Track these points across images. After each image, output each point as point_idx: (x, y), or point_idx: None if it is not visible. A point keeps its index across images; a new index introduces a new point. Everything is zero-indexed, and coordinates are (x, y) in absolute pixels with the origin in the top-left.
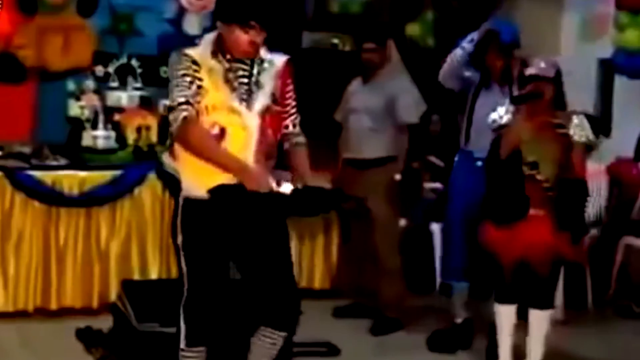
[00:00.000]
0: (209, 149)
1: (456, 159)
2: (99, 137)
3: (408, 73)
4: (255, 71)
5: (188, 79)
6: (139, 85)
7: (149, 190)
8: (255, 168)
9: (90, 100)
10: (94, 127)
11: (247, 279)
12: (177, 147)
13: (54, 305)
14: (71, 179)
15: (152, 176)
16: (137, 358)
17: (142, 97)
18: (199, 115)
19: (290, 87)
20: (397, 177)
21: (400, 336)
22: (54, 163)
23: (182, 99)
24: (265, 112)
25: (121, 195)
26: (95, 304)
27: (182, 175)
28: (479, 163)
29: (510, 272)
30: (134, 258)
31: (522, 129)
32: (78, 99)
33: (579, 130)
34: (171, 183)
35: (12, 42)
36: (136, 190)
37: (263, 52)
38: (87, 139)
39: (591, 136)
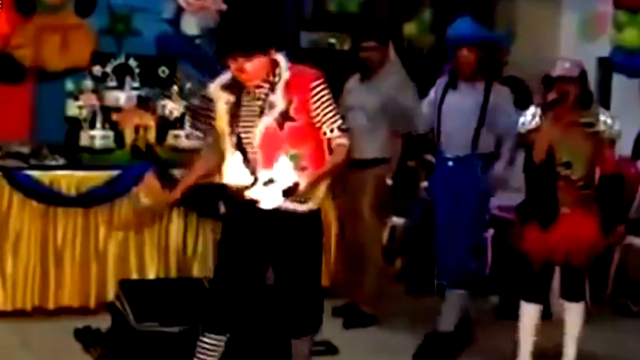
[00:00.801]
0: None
1: (434, 160)
2: (97, 137)
3: (406, 73)
4: (269, 92)
5: (200, 115)
6: (136, 85)
7: None
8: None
9: (88, 100)
10: (92, 127)
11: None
12: None
13: (52, 305)
14: (69, 179)
15: (149, 176)
16: (136, 357)
17: (140, 97)
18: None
19: (316, 96)
20: (389, 182)
21: (398, 337)
22: (52, 163)
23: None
24: (272, 133)
25: (119, 195)
26: (93, 303)
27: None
28: (450, 163)
29: (538, 270)
30: (131, 258)
31: (552, 131)
32: (76, 98)
33: (608, 126)
34: (171, 183)
35: (10, 42)
36: (134, 190)
37: (281, 70)
38: (85, 139)
39: (618, 130)
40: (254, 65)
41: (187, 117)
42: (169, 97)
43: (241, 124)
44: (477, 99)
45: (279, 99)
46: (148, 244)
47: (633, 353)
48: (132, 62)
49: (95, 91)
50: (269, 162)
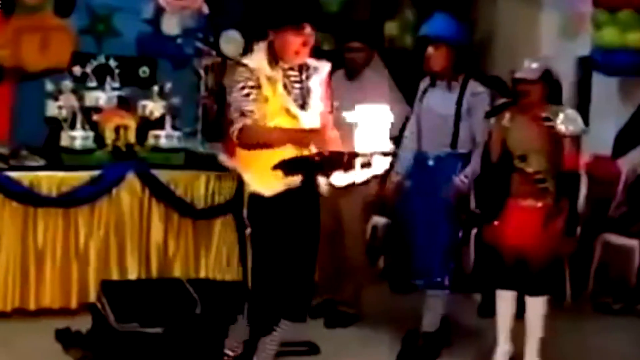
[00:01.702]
0: (267, 137)
1: (411, 160)
2: (77, 137)
3: (389, 74)
4: (304, 77)
5: (246, 90)
6: (117, 85)
7: (128, 191)
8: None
9: (68, 100)
10: (72, 127)
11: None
12: (240, 151)
13: (32, 306)
14: (49, 180)
15: (130, 176)
16: (116, 358)
17: (120, 98)
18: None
19: (329, 91)
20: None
21: (381, 335)
22: (32, 164)
23: (237, 113)
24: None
25: (100, 196)
26: (74, 304)
27: (246, 174)
28: (431, 162)
29: (511, 261)
30: (112, 258)
31: (504, 128)
32: (56, 99)
33: (567, 122)
34: (151, 183)
35: None
36: (114, 191)
37: (308, 59)
38: (65, 140)
39: (579, 128)
40: (312, 41)
41: (235, 104)
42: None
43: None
44: (453, 99)
45: (316, 85)
46: (129, 245)
47: (614, 351)
48: (112, 63)
49: (75, 92)
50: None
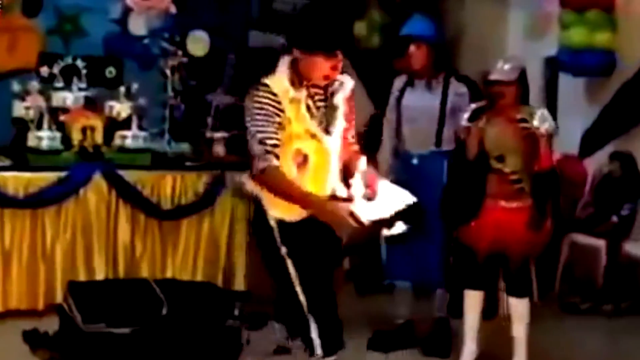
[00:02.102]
0: (287, 194)
1: (390, 160)
2: (44, 137)
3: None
4: (329, 94)
5: (269, 114)
6: (84, 85)
7: (95, 191)
8: (333, 204)
9: (35, 101)
10: (39, 128)
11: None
12: None
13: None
14: (16, 180)
15: (97, 177)
16: (84, 359)
17: (87, 98)
18: (282, 148)
19: (353, 105)
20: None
21: (348, 336)
22: None
23: (260, 146)
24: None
25: (66, 196)
26: (41, 305)
27: (271, 201)
28: (415, 161)
29: (483, 261)
30: (79, 259)
31: (481, 130)
32: (23, 99)
33: (542, 122)
34: (118, 184)
35: None
36: (81, 191)
37: None
38: (32, 140)
39: (553, 127)
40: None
41: (255, 128)
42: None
43: (315, 125)
44: (436, 97)
45: (339, 102)
46: (96, 245)
47: (581, 351)
48: (80, 63)
49: (42, 92)
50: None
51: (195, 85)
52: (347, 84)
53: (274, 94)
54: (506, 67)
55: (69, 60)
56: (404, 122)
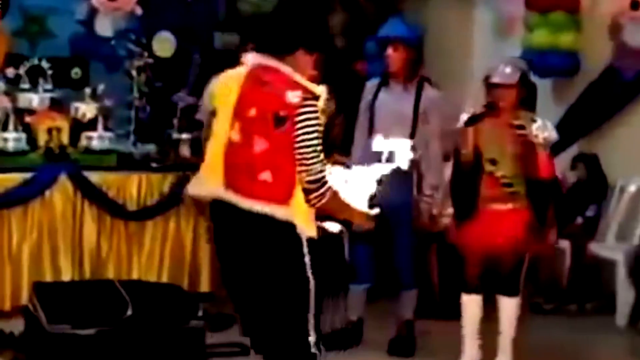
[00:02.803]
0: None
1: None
2: (10, 139)
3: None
4: None
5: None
6: (49, 87)
7: (60, 192)
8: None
9: (1, 102)
10: (5, 129)
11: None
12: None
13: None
14: None
15: (63, 178)
16: None
17: (52, 99)
18: None
19: None
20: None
21: None
22: None
23: (321, 169)
24: None
25: (32, 197)
26: (7, 306)
27: (302, 221)
28: None
29: (477, 264)
30: (45, 260)
31: (476, 133)
32: None
33: (540, 131)
34: (84, 185)
35: None
36: (47, 192)
37: None
38: None
39: (551, 137)
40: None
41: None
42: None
43: None
44: (409, 101)
45: None
46: (62, 246)
47: (547, 350)
48: (45, 64)
49: (7, 93)
50: None
51: (161, 86)
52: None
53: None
54: (507, 69)
55: (35, 61)
56: (376, 124)
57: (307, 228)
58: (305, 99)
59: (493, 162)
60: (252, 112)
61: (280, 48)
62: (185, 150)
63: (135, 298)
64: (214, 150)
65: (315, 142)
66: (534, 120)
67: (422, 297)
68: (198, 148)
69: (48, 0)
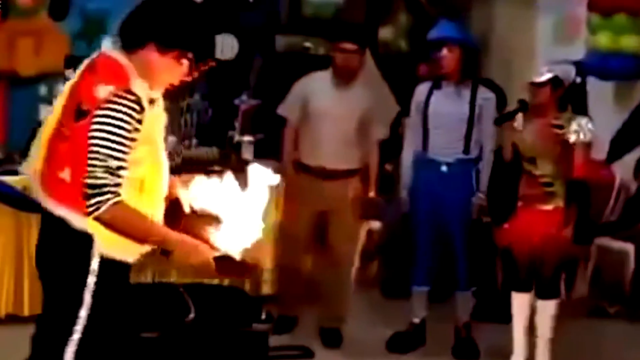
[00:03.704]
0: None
1: (414, 165)
2: None
3: (383, 78)
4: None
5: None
6: None
7: None
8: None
9: None
10: None
11: None
12: None
13: (26, 312)
14: None
15: None
16: None
17: None
18: None
19: None
20: (372, 194)
21: (372, 340)
22: None
23: None
24: None
25: None
26: None
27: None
28: (444, 168)
29: (521, 263)
30: None
31: (516, 131)
32: (50, 103)
33: (575, 131)
34: None
35: None
36: None
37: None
38: None
39: (589, 137)
40: None
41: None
42: None
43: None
44: (465, 102)
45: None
46: None
47: (609, 355)
48: None
49: None
50: None
51: (223, 89)
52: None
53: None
54: (544, 70)
55: None
56: (430, 127)
57: (108, 246)
58: (116, 95)
59: (532, 161)
60: (64, 100)
61: (127, 41)
62: (247, 153)
63: (198, 301)
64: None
65: (106, 143)
66: (572, 120)
67: (485, 300)
68: (260, 150)
69: (108, 2)
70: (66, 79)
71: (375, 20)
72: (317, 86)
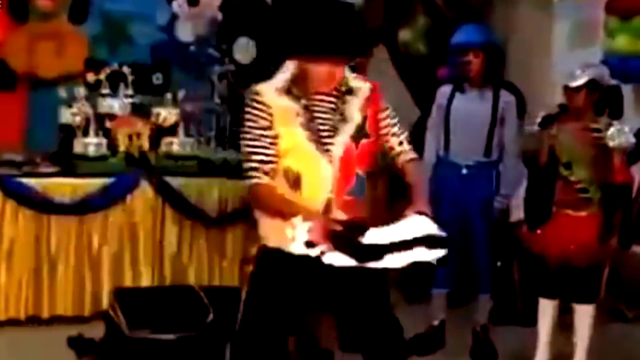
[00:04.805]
0: (277, 210)
1: (434, 168)
2: (91, 144)
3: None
4: (340, 103)
5: (259, 129)
6: (130, 92)
7: (141, 197)
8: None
9: (82, 107)
10: (86, 134)
11: None
12: None
13: (45, 314)
14: (62, 187)
15: (144, 183)
16: None
17: (133, 105)
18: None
19: (386, 112)
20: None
21: None
22: (46, 170)
23: (251, 165)
24: (349, 149)
25: (114, 203)
26: (87, 312)
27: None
28: (464, 171)
29: (551, 269)
30: (126, 266)
31: (552, 135)
32: (70, 106)
33: (614, 136)
34: (165, 191)
35: (2, 49)
36: (128, 197)
37: (349, 80)
38: (78, 147)
39: (627, 142)
40: (342, 70)
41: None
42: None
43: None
44: (487, 105)
45: (354, 112)
46: (142, 252)
47: (628, 358)
48: (126, 69)
49: (88, 99)
50: (348, 180)
51: (241, 92)
52: (362, 91)
53: (264, 104)
54: (577, 72)
55: (115, 66)
56: (451, 130)
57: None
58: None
59: (568, 165)
60: None
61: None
62: None
63: (216, 304)
64: None
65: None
66: (611, 125)
67: (503, 303)
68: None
69: (129, 5)
70: (86, 82)
71: (394, 22)
72: None
